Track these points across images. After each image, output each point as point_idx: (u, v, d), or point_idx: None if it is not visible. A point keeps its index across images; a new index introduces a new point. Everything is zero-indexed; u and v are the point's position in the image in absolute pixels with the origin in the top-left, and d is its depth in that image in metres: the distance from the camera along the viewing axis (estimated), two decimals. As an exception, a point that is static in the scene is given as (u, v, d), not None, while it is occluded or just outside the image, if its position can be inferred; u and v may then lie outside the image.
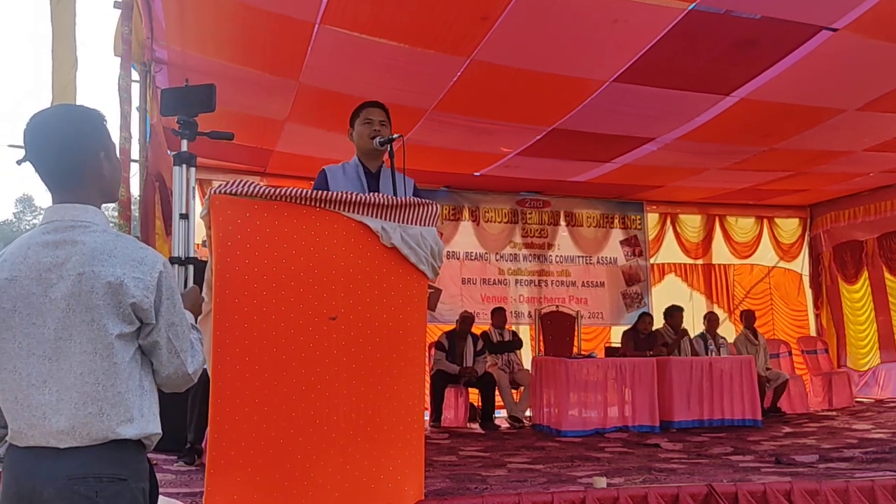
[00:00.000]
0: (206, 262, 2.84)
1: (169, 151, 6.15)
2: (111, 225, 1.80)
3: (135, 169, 5.60)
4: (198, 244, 8.06)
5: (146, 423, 1.69)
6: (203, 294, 2.74)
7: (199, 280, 2.80)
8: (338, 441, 2.69)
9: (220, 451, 2.58)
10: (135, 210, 5.63)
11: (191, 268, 2.70)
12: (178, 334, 1.73)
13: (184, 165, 2.76)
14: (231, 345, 2.62)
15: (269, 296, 2.67)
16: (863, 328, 10.68)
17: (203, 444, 4.72)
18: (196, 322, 2.75)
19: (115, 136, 4.70)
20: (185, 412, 5.12)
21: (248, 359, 2.62)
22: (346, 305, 2.76)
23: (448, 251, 9.55)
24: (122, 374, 1.64)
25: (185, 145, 2.79)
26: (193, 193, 2.82)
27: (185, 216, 2.76)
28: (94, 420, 1.61)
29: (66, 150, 1.71)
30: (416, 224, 2.89)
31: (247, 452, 2.59)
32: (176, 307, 1.73)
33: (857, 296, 10.78)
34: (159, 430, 1.74)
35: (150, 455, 1.81)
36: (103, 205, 1.80)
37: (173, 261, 2.45)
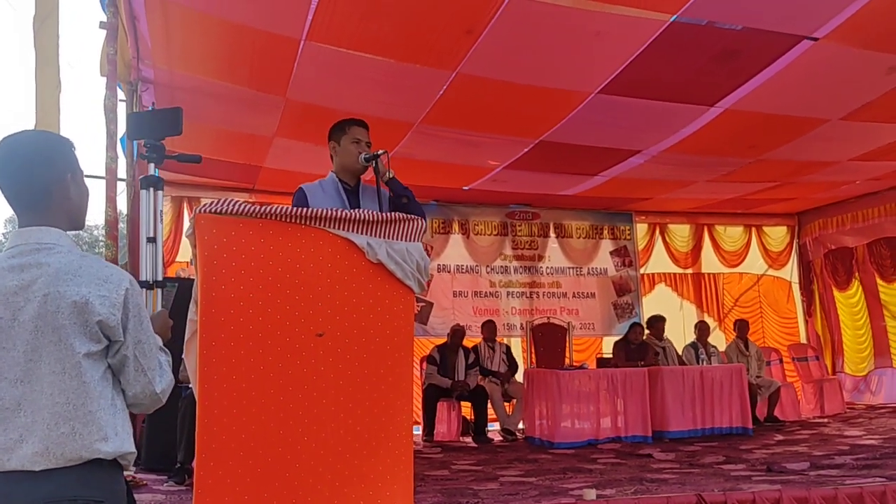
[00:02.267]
0: (192, 281, 2.84)
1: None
2: (100, 245, 1.81)
3: (121, 187, 5.60)
4: (186, 263, 8.07)
5: (121, 441, 1.68)
6: (191, 312, 2.74)
7: (186, 298, 2.80)
8: (326, 459, 2.68)
9: (207, 471, 2.57)
10: (122, 228, 5.63)
11: (159, 292, 2.70)
12: (144, 352, 1.74)
13: (151, 189, 2.75)
14: (218, 363, 2.61)
15: (255, 314, 2.66)
16: (860, 333, 10.72)
17: (193, 464, 4.70)
18: (185, 340, 2.77)
19: (102, 156, 4.74)
20: (174, 432, 5.11)
21: (235, 377, 2.61)
22: (333, 322, 2.75)
23: (439, 264, 9.56)
24: (93, 393, 1.64)
25: (152, 169, 2.79)
26: (160, 217, 2.81)
27: (152, 240, 2.75)
28: (67, 440, 1.61)
29: (35, 171, 1.73)
30: (401, 239, 2.89)
31: (235, 472, 2.57)
32: (143, 325, 1.74)
33: (853, 300, 10.83)
34: (134, 450, 1.73)
35: (140, 475, 1.82)
36: (72, 232, 1.80)
37: (141, 285, 2.46)
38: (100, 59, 5.07)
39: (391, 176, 3.34)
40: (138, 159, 5.74)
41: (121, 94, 5.54)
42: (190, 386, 2.88)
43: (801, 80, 5.71)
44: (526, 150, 7.32)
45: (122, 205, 5.81)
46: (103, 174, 4.84)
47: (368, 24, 4.89)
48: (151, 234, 2.75)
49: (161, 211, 2.81)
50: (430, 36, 5.04)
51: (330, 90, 5.85)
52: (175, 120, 2.76)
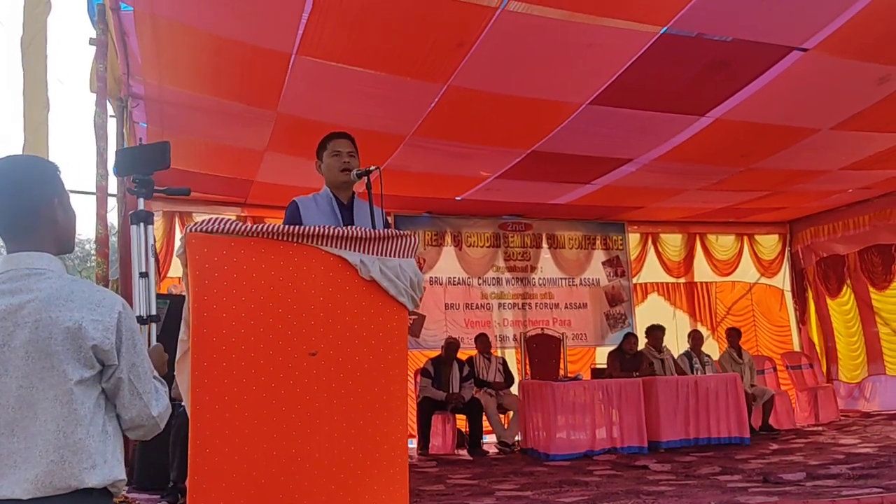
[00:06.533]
0: (184, 298, 2.81)
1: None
2: (92, 259, 1.79)
3: (112, 203, 5.56)
4: (178, 279, 8.03)
5: (110, 469, 1.66)
6: (182, 332, 2.72)
7: (177, 315, 2.77)
8: (320, 479, 2.65)
9: (200, 493, 2.54)
10: (114, 242, 5.59)
11: (153, 326, 2.67)
12: (139, 375, 1.72)
13: (141, 224, 2.71)
14: (210, 383, 2.58)
15: (247, 333, 2.63)
16: (853, 340, 10.73)
17: (186, 483, 4.66)
18: (176, 360, 2.73)
19: (92, 173, 4.71)
20: (167, 450, 5.06)
21: (227, 398, 2.58)
22: (326, 340, 2.73)
23: (431, 277, 9.54)
24: (84, 421, 1.62)
25: (141, 203, 2.76)
26: (152, 251, 2.78)
27: (144, 275, 2.72)
28: (56, 469, 1.58)
29: (19, 196, 1.71)
30: (394, 256, 2.87)
31: (228, 493, 2.54)
32: (137, 348, 1.72)
33: (845, 308, 10.84)
34: (124, 476, 1.71)
35: (132, 494, 1.80)
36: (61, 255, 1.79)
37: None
38: (90, 76, 5.04)
39: None
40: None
41: (111, 111, 5.51)
42: (183, 403, 2.86)
43: (792, 90, 5.73)
44: (518, 160, 7.32)
45: (114, 219, 5.78)
46: (93, 190, 4.81)
47: (359, 38, 4.89)
48: (144, 270, 2.71)
49: (152, 245, 2.78)
50: (421, 49, 5.04)
51: (321, 104, 5.84)
52: (163, 154, 2.74)
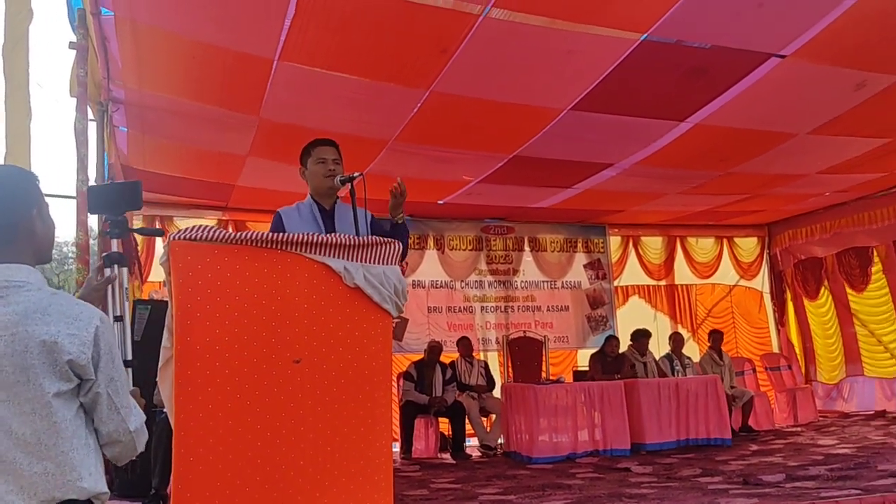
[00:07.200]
0: (166, 303, 2.80)
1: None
2: (69, 262, 1.79)
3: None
4: (160, 283, 7.97)
5: (94, 481, 1.66)
6: (164, 339, 2.71)
7: (159, 321, 2.76)
8: (304, 487, 2.65)
9: (184, 501, 2.53)
10: (94, 245, 5.55)
11: (129, 371, 2.65)
12: (117, 390, 1.72)
13: (115, 266, 2.68)
14: (194, 392, 2.57)
15: (231, 341, 2.63)
16: (831, 342, 10.84)
17: (168, 490, 4.64)
18: (158, 367, 2.73)
19: (73, 179, 4.67)
20: (149, 457, 5.03)
21: (210, 406, 2.57)
22: (310, 348, 2.73)
23: (413, 280, 9.55)
24: (65, 433, 1.62)
25: (115, 245, 2.72)
26: (126, 294, 2.76)
27: (119, 318, 2.70)
28: (39, 480, 1.58)
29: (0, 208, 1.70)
30: (378, 263, 2.88)
31: (211, 501, 2.54)
32: (115, 363, 1.72)
33: (822, 310, 10.95)
34: (107, 490, 1.71)
35: (113, 502, 1.79)
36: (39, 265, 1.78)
37: None
38: (70, 80, 5.01)
39: (402, 220, 3.37)
40: (109, 179, 5.67)
41: (91, 115, 5.47)
42: (164, 410, 2.85)
43: (770, 95, 5.80)
44: (500, 164, 7.35)
45: (94, 223, 5.73)
46: (73, 194, 4.76)
47: (342, 44, 4.88)
48: (119, 313, 2.70)
49: (126, 288, 2.76)
50: (404, 55, 5.05)
51: (304, 109, 5.83)
52: (135, 193, 2.72)
